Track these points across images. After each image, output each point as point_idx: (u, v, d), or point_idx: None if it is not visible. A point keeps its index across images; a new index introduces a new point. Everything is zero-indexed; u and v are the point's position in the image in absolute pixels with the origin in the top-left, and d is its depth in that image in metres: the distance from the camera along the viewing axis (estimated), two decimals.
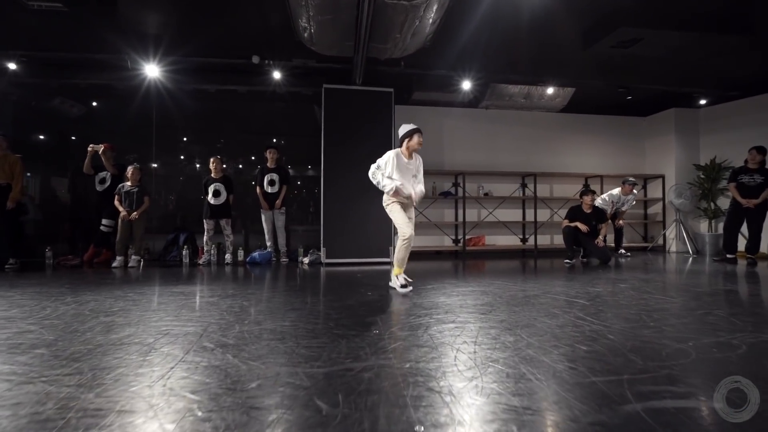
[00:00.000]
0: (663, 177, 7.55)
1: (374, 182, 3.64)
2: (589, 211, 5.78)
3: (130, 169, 5.40)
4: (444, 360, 1.84)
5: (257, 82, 6.07)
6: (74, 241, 6.42)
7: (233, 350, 1.97)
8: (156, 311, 2.79)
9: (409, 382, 1.58)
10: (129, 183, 5.38)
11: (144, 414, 1.34)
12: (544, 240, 7.59)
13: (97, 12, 4.25)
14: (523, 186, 7.53)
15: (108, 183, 5.78)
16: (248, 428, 1.25)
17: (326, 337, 2.21)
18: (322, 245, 5.58)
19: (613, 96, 6.94)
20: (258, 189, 5.92)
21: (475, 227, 7.28)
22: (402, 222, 3.55)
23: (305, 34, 4.71)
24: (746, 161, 5.50)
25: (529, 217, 7.40)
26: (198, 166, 6.78)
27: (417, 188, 3.71)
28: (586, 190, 5.82)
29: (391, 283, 3.72)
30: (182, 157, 6.91)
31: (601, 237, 5.74)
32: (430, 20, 4.28)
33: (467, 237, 7.08)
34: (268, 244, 6.01)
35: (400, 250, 3.56)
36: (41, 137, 6.77)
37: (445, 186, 7.26)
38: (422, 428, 1.25)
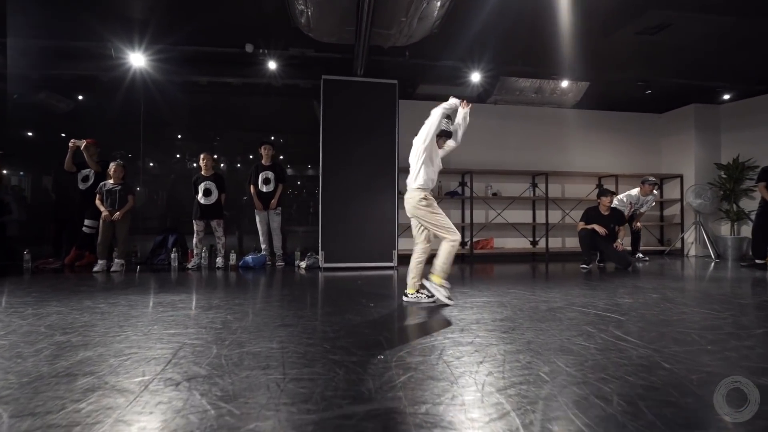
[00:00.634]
0: (681, 177, 7.15)
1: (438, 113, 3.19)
2: (607, 213, 5.38)
3: (112, 166, 5.00)
4: (467, 398, 1.45)
5: (252, 73, 5.68)
6: (59, 243, 6.04)
7: (203, 384, 1.58)
8: (124, 327, 2.40)
9: None
10: (111, 181, 4.98)
11: None
12: (555, 243, 7.18)
13: None
14: (534, 186, 7.13)
15: (91, 181, 5.39)
16: None
17: (320, 365, 1.81)
18: (320, 248, 5.19)
19: (629, 91, 6.55)
20: (252, 188, 5.54)
21: (482, 229, 6.88)
22: (449, 222, 3.12)
23: (302, 19, 4.33)
24: None
25: (540, 218, 7.00)
26: (189, 163, 6.39)
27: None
28: (605, 191, 5.42)
29: (412, 296, 3.16)
30: (172, 154, 6.52)
31: (619, 240, 5.34)
32: (438, 2, 3.89)
33: (475, 239, 6.68)
34: (263, 246, 5.62)
35: (449, 255, 3.06)
36: (23, 132, 6.39)
37: (452, 185, 6.86)
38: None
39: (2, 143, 6.00)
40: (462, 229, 6.90)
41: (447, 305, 3.01)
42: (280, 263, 5.55)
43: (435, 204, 3.13)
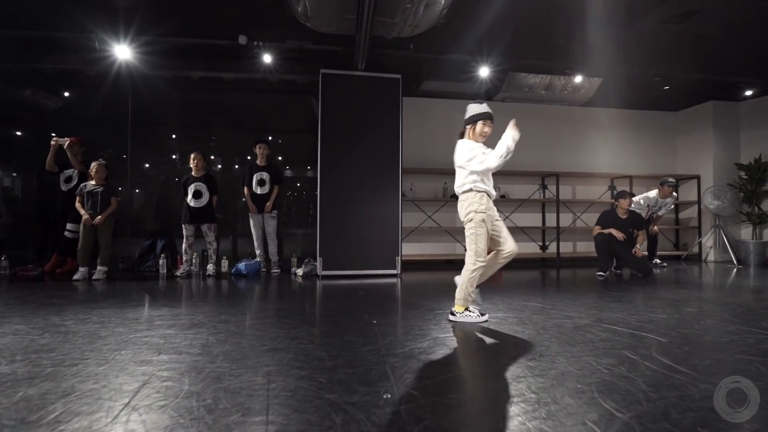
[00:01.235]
0: (698, 177, 6.79)
1: (502, 161, 2.74)
2: (625, 217, 5.03)
3: (94, 165, 4.65)
4: None
5: (246, 68, 5.34)
6: (43, 248, 5.69)
7: None
8: (86, 353, 2.06)
9: None
10: (92, 181, 4.64)
11: None
12: (566, 248, 6.83)
13: None
14: (543, 187, 6.79)
15: (75, 182, 5.07)
16: None
17: (313, 408, 1.46)
18: (318, 255, 4.84)
19: (643, 87, 6.19)
20: (245, 189, 5.20)
21: None
22: (483, 250, 2.72)
23: (299, 7, 4.00)
24: None
25: (550, 221, 6.65)
26: (179, 163, 6.04)
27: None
28: (623, 193, 5.07)
29: (457, 318, 2.75)
30: (162, 153, 6.17)
31: (638, 245, 4.98)
32: None
33: None
34: (258, 252, 5.27)
35: (473, 282, 2.74)
36: (11, 131, 6.07)
37: None
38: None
39: None
40: None
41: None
42: (275, 270, 5.20)
43: (481, 226, 2.73)
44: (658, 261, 5.97)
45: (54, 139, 4.84)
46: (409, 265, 5.77)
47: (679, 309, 3.09)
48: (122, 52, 4.74)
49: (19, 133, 6.24)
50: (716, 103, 6.62)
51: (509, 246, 2.76)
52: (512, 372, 1.81)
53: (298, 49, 5.02)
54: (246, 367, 1.87)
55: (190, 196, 4.91)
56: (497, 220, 2.82)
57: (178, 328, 2.53)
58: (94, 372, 1.80)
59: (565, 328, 2.54)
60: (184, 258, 4.98)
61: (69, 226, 4.93)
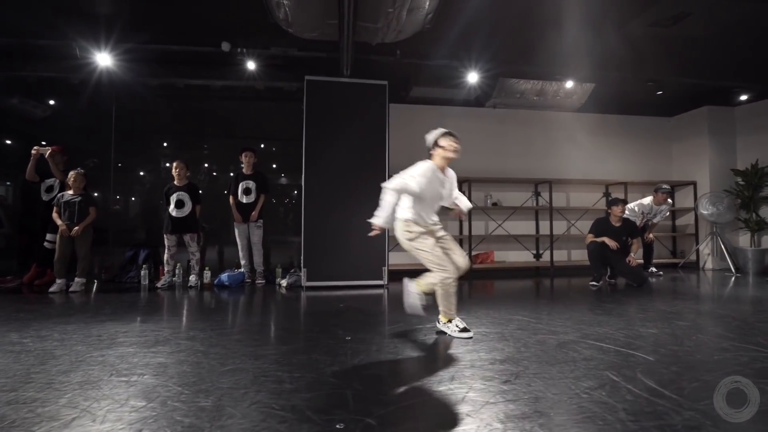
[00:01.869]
0: (694, 184, 6.67)
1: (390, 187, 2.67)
2: (618, 225, 4.90)
3: (72, 175, 4.55)
4: None
5: (232, 75, 5.25)
6: (26, 258, 5.58)
7: None
8: (31, 375, 1.93)
9: None
10: (70, 191, 4.53)
11: None
12: (560, 256, 6.69)
13: None
14: (537, 195, 6.66)
15: (56, 191, 4.95)
16: None
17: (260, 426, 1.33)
18: (302, 265, 4.71)
19: (637, 92, 6.10)
20: (231, 198, 5.09)
21: (482, 242, 6.40)
22: (439, 259, 2.61)
23: (280, 13, 3.91)
24: None
25: (544, 229, 6.51)
26: (164, 171, 5.92)
27: (464, 202, 3.09)
28: (616, 200, 4.94)
29: (446, 329, 2.66)
30: (146, 162, 6.07)
31: (632, 254, 4.85)
32: None
33: (474, 253, 6.20)
34: (242, 262, 5.15)
35: (442, 298, 2.61)
36: None
37: None
38: None
39: None
40: (460, 242, 6.43)
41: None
42: (260, 281, 5.07)
43: (420, 240, 2.67)
44: (654, 269, 5.83)
45: (35, 148, 4.74)
46: (400, 275, 5.62)
47: (671, 323, 2.95)
48: (103, 59, 4.66)
49: (8, 141, 6.16)
50: (711, 108, 6.52)
51: (458, 263, 2.69)
52: (482, 395, 1.68)
53: (284, 56, 4.94)
54: (197, 391, 1.74)
55: (172, 206, 4.80)
56: (442, 237, 2.76)
57: (140, 346, 2.40)
58: (32, 398, 1.67)
59: (548, 345, 2.41)
60: (165, 269, 4.86)
61: (48, 236, 4.82)
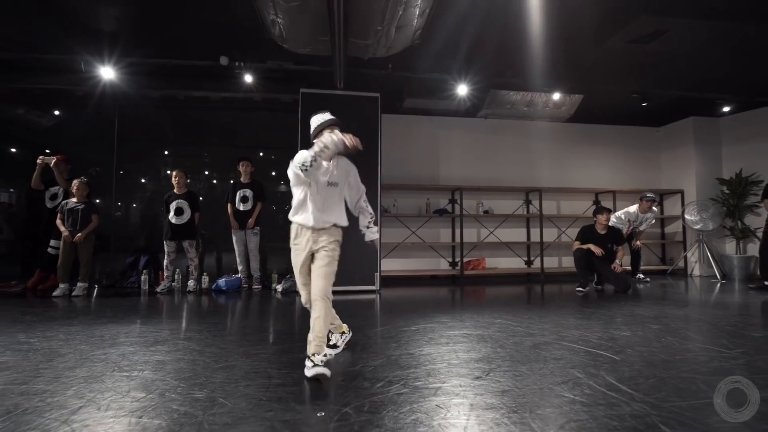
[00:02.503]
0: (682, 192, 6.84)
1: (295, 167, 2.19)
2: (603, 232, 5.06)
3: (75, 183, 4.73)
4: None
5: (230, 87, 5.44)
6: (30, 264, 5.74)
7: None
8: (40, 370, 2.08)
9: None
10: (74, 199, 4.71)
11: None
12: (551, 263, 6.85)
13: (33, 3, 3.64)
14: (528, 203, 6.83)
15: (60, 199, 5.13)
16: None
17: (247, 425, 1.49)
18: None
19: (625, 103, 6.29)
20: (229, 206, 5.25)
21: (474, 248, 6.55)
22: (297, 279, 2.35)
23: (275, 30, 4.10)
24: None
25: (535, 237, 6.67)
26: (164, 180, 6.11)
27: (360, 207, 2.52)
28: (600, 208, 5.11)
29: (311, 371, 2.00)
30: (147, 170, 6.25)
31: (618, 261, 5.00)
32: (417, 9, 3.65)
33: (466, 260, 6.35)
34: (240, 268, 5.30)
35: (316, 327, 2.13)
36: (4, 148, 6.17)
37: (441, 203, 6.57)
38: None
39: None
40: (452, 249, 6.59)
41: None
42: (256, 286, 5.22)
43: (292, 250, 2.34)
44: (641, 276, 5.98)
45: (40, 158, 4.92)
46: (393, 281, 5.79)
47: (645, 326, 3.10)
48: (107, 73, 4.85)
49: (14, 150, 6.34)
50: (696, 118, 6.71)
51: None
52: (453, 389, 1.84)
53: (280, 69, 5.13)
54: (193, 385, 1.89)
55: (172, 213, 4.97)
56: (321, 250, 2.29)
57: (140, 346, 2.55)
58: (42, 390, 1.83)
59: (524, 347, 2.56)
60: (165, 274, 5.02)
61: (52, 242, 4.98)
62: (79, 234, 4.58)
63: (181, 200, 4.99)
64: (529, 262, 6.78)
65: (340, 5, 3.29)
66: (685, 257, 6.74)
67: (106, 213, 5.77)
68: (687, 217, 6.36)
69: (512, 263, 6.75)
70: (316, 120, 2.48)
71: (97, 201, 5.61)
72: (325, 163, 2.26)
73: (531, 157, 6.89)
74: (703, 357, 2.32)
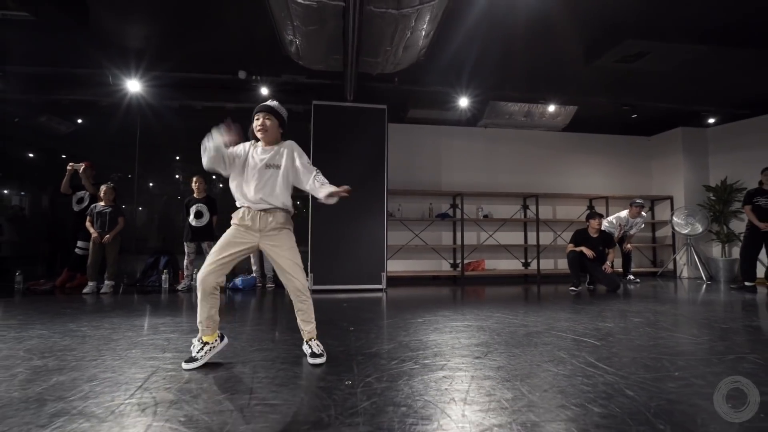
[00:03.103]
0: (671, 198, 7.21)
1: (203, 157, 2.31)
2: (595, 236, 5.42)
3: (103, 188, 5.10)
4: (424, 427, 1.47)
5: (245, 98, 5.83)
6: (53, 264, 6.10)
7: (170, 409, 1.61)
8: (102, 351, 2.43)
9: None
10: (102, 203, 5.06)
11: None
12: (547, 264, 7.20)
13: (70, 23, 4.01)
14: (525, 208, 7.20)
15: (86, 203, 5.48)
16: None
17: (287, 390, 1.84)
18: (309, 270, 5.22)
19: (617, 114, 6.68)
20: None
21: (474, 251, 6.91)
22: (209, 258, 2.21)
23: (292, 48, 4.47)
24: (761, 182, 5.17)
25: (532, 240, 7.04)
26: (182, 185, 6.48)
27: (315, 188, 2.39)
28: (593, 214, 5.47)
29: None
30: (166, 176, 6.63)
31: (608, 263, 5.36)
32: (423, 32, 4.03)
33: (466, 261, 6.71)
34: (254, 268, 5.65)
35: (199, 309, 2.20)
36: (23, 155, 6.53)
37: (443, 207, 6.94)
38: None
39: (3, 164, 6.14)
40: (453, 251, 6.94)
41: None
42: (270, 285, 5.57)
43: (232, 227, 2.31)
44: (632, 277, 6.33)
45: (70, 164, 5.27)
46: (398, 281, 6.15)
47: (627, 319, 3.46)
48: (133, 85, 5.22)
49: (30, 155, 6.70)
50: (684, 129, 7.09)
51: (287, 282, 2.38)
52: (457, 365, 2.19)
53: (293, 82, 5.51)
54: (236, 362, 2.24)
55: (192, 216, 5.32)
56: (271, 245, 2.28)
57: (180, 333, 2.90)
58: (110, 365, 2.18)
59: (518, 335, 2.91)
60: (185, 273, 5.37)
61: (79, 243, 5.33)
62: (107, 235, 4.93)
63: (201, 204, 5.35)
64: (526, 264, 7.13)
65: (355, 30, 3.66)
66: (674, 260, 7.10)
67: (127, 216, 6.12)
68: (675, 219, 6.72)
69: (510, 265, 7.10)
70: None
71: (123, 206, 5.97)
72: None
73: (528, 165, 7.26)
74: (672, 342, 2.68)
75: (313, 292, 5.12)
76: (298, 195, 7.02)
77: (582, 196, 7.25)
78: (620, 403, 1.68)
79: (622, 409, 1.63)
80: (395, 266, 6.55)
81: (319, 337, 2.44)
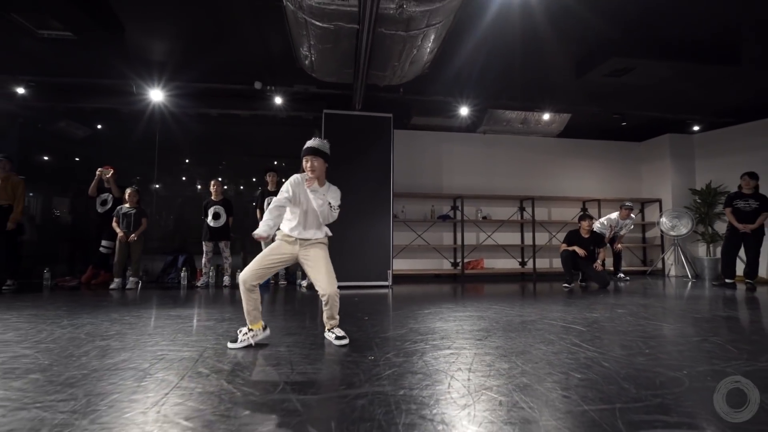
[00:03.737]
0: (660, 201, 7.61)
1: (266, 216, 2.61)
2: (587, 236, 5.81)
3: (128, 191, 5.46)
4: (437, 387, 1.84)
5: (259, 106, 6.20)
6: (73, 262, 6.46)
7: (228, 375, 1.97)
8: (152, 335, 2.79)
9: (402, 410, 1.59)
10: (127, 205, 5.42)
11: None
12: (542, 263, 7.59)
13: (104, 39, 4.37)
14: (522, 209, 7.58)
15: (109, 204, 5.82)
16: None
17: (322, 363, 2.21)
18: None
19: (608, 122, 7.06)
20: (258, 212, 5.97)
21: (473, 250, 7.29)
22: (255, 262, 2.60)
23: (306, 62, 4.84)
24: (740, 187, 5.57)
25: (528, 240, 7.42)
26: (198, 188, 6.85)
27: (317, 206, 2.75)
28: (584, 216, 5.86)
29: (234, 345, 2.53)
30: (183, 179, 6.99)
31: (599, 261, 5.74)
32: (428, 49, 4.41)
33: (466, 260, 7.09)
34: None
35: (244, 302, 2.56)
36: (45, 158, 6.87)
37: (444, 209, 7.31)
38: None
39: (26, 168, 6.48)
40: (454, 251, 7.32)
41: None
42: (282, 282, 5.93)
43: (273, 244, 2.74)
44: (622, 275, 6.72)
45: (99, 169, 5.62)
46: (402, 279, 6.52)
47: (612, 311, 3.84)
48: (156, 95, 5.58)
49: (50, 159, 7.03)
50: (672, 135, 7.49)
51: (321, 289, 2.63)
52: (461, 345, 2.56)
53: (305, 92, 5.88)
54: (272, 344, 2.61)
55: (210, 217, 5.68)
56: (307, 257, 2.69)
57: (215, 321, 3.27)
58: (165, 345, 2.54)
59: (514, 322, 3.28)
60: (203, 271, 5.73)
61: (104, 242, 5.68)
62: (132, 235, 5.29)
63: (218, 206, 5.71)
64: (522, 263, 7.51)
65: (367, 49, 4.03)
66: (663, 259, 7.50)
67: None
68: (663, 220, 7.11)
69: (508, 264, 7.48)
70: (305, 146, 2.87)
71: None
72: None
73: (525, 169, 7.65)
74: (649, 329, 3.06)
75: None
76: None
77: (576, 199, 7.63)
78: (597, 371, 2.06)
79: (597, 375, 2.01)
80: (399, 265, 6.92)
81: (339, 325, 2.80)
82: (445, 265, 7.26)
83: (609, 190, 7.91)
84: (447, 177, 7.41)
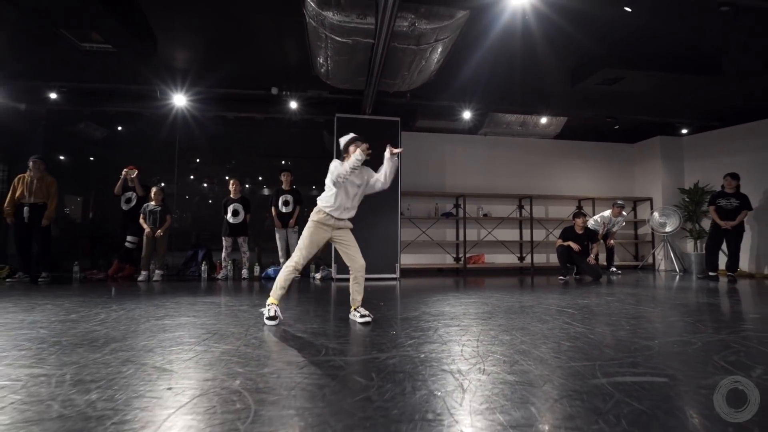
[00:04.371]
0: (651, 200, 8.03)
1: (346, 170, 3.04)
2: (581, 232, 6.22)
3: (154, 190, 5.85)
4: (452, 351, 2.24)
5: (274, 110, 6.59)
6: (95, 257, 6.85)
7: (275, 345, 2.37)
8: (197, 316, 3.19)
9: (426, 365, 1.99)
10: (153, 203, 5.82)
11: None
12: (540, 258, 8.00)
13: (138, 50, 4.75)
14: (520, 207, 7.99)
15: (133, 203, 6.21)
16: (324, 387, 1.66)
17: (352, 336, 2.61)
18: (333, 262, 5.99)
19: (602, 125, 7.48)
20: (273, 209, 6.36)
21: (475, 246, 7.70)
22: (302, 247, 3.13)
23: (322, 70, 5.24)
24: (723, 186, 5.98)
25: (526, 236, 7.83)
26: (216, 187, 7.24)
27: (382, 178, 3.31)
28: (578, 213, 6.28)
29: (263, 310, 3.06)
30: (202, 179, 7.38)
31: (592, 256, 6.16)
32: (435, 60, 4.81)
33: (468, 255, 7.49)
34: (282, 260, 6.41)
35: (281, 278, 3.10)
36: (68, 158, 7.23)
37: (447, 207, 7.72)
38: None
39: (55, 168, 6.85)
40: (456, 246, 7.73)
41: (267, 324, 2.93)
42: (297, 275, 6.32)
43: (309, 225, 3.13)
44: (614, 269, 7.14)
45: (125, 170, 6.00)
46: (408, 272, 6.93)
47: (602, 298, 4.25)
48: (179, 100, 5.97)
49: (78, 161, 7.39)
50: (663, 138, 7.91)
51: (355, 263, 3.16)
52: (469, 323, 2.97)
53: (318, 97, 6.28)
54: (306, 322, 3.01)
55: (229, 215, 6.08)
56: (342, 238, 3.18)
57: (248, 306, 3.67)
58: (212, 323, 2.94)
59: (514, 308, 3.69)
60: (223, 265, 6.12)
61: (129, 238, 6.07)
62: (158, 231, 5.69)
63: (237, 204, 6.10)
64: (521, 258, 7.93)
65: (380, 61, 4.43)
66: (653, 254, 7.92)
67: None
68: (655, 215, 7.54)
69: (507, 259, 7.90)
70: (343, 140, 3.36)
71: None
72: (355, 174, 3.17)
73: (523, 169, 8.06)
74: (632, 312, 3.47)
75: (338, 280, 5.91)
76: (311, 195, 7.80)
77: (571, 198, 8.05)
78: (583, 341, 2.47)
79: (584, 344, 2.42)
80: (405, 259, 7.32)
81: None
82: (448, 260, 7.67)
83: (603, 189, 8.33)
84: (450, 176, 7.82)
